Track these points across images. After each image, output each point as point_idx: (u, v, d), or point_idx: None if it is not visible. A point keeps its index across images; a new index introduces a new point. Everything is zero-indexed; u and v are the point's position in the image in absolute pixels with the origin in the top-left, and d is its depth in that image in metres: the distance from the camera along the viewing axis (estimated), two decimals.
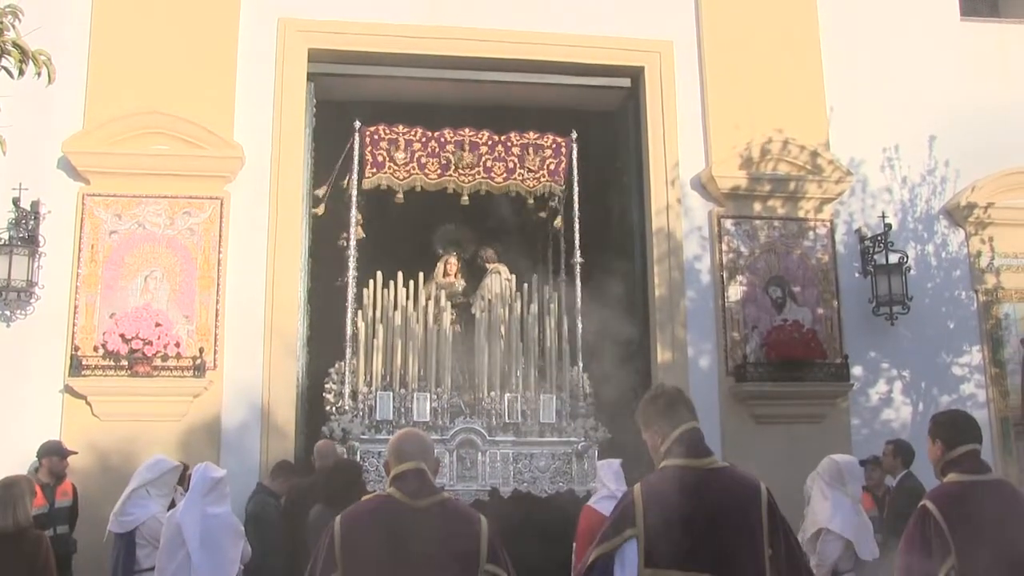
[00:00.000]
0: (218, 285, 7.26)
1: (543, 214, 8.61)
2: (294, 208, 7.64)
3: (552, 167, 8.07)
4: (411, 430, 3.15)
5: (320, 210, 7.87)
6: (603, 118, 8.71)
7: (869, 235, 8.23)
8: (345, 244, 7.79)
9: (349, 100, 8.00)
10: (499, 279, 8.25)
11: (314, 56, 7.91)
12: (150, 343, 6.93)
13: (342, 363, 7.53)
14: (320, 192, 7.97)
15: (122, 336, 6.93)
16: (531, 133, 8.06)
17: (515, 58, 8.09)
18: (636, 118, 8.44)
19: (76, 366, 6.92)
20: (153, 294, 7.18)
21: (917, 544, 3.27)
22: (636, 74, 8.40)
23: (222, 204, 7.40)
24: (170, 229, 7.29)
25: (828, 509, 5.46)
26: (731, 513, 2.81)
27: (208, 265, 7.27)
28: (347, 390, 7.40)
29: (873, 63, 8.57)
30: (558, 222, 8.41)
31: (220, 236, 7.33)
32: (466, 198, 7.93)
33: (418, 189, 7.87)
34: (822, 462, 5.71)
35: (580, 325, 7.84)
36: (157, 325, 6.99)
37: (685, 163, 8.14)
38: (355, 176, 7.74)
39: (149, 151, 7.33)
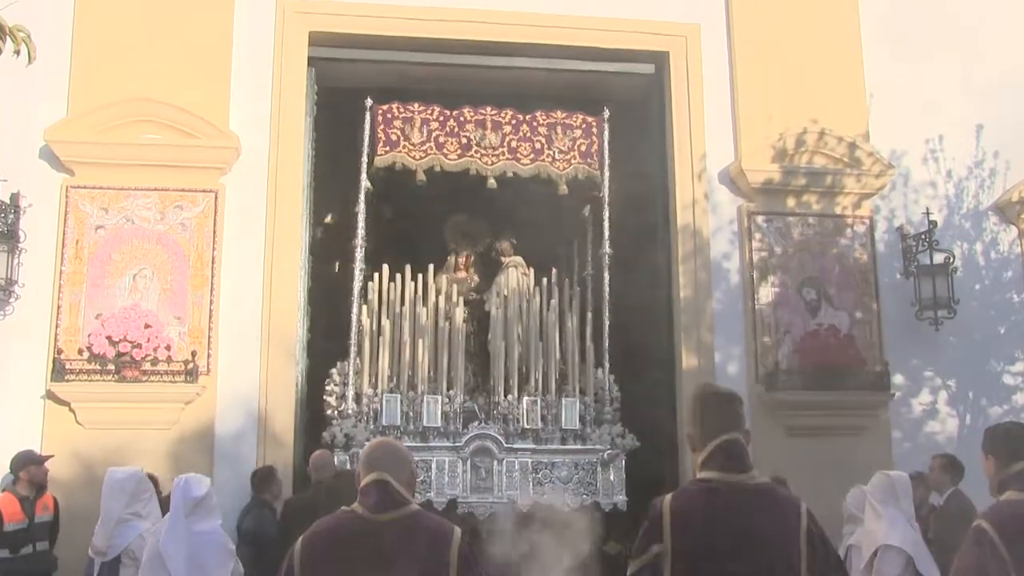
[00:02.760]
0: (212, 284, 7.17)
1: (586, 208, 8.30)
2: (294, 202, 7.52)
3: (584, 148, 7.88)
4: (381, 439, 3.13)
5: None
6: (624, 107, 8.54)
7: (912, 233, 8.05)
8: (357, 233, 7.62)
9: (353, 87, 7.85)
10: (516, 273, 8.13)
11: (315, 40, 7.78)
12: (139, 346, 6.83)
13: (345, 363, 7.39)
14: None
15: (109, 338, 6.83)
16: (559, 112, 7.87)
17: (530, 42, 7.96)
18: (660, 107, 8.30)
19: (59, 370, 6.81)
20: (142, 293, 7.08)
21: (972, 566, 3.18)
22: (660, 60, 8.25)
23: (217, 197, 7.30)
24: (161, 224, 7.20)
25: (884, 526, 5.41)
26: (765, 535, 2.73)
27: (201, 263, 7.18)
28: (350, 392, 7.28)
29: (916, 47, 8.35)
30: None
31: (214, 232, 7.23)
32: (492, 181, 7.70)
33: (437, 170, 7.66)
34: (872, 478, 5.64)
35: (607, 322, 7.66)
36: (146, 327, 6.89)
37: (713, 155, 8.01)
38: (364, 158, 7.57)
39: (138, 140, 7.20)
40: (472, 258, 8.60)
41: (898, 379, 7.86)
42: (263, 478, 6.64)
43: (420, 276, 7.74)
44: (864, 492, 5.72)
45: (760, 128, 7.94)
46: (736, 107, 8.06)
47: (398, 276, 7.71)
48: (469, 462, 7.13)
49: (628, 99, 8.57)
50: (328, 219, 8.14)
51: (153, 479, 5.90)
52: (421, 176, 7.60)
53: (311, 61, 7.82)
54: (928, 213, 8.02)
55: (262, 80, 7.58)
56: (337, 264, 8.16)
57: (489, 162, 7.69)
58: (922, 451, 7.40)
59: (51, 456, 6.30)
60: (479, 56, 8.03)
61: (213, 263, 7.19)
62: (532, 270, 8.09)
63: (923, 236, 7.91)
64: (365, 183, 7.61)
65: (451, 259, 8.56)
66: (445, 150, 7.64)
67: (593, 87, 8.35)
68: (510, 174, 7.76)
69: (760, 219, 7.90)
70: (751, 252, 7.83)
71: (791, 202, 7.95)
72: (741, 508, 2.74)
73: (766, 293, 7.77)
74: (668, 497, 2.83)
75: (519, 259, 8.32)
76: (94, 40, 7.35)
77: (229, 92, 7.47)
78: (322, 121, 8.00)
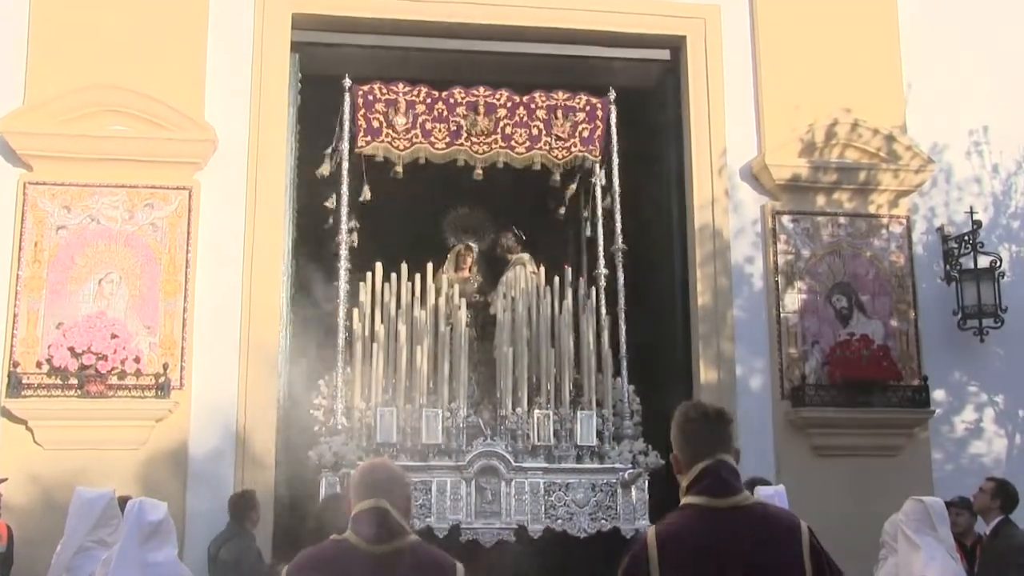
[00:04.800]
0: (186, 290, 7.04)
1: (571, 188, 8.15)
2: (275, 200, 7.37)
3: (586, 134, 7.63)
4: (376, 460, 3.07)
5: (325, 170, 7.53)
6: (637, 97, 8.37)
7: (954, 234, 7.88)
8: (333, 223, 7.44)
9: (340, 74, 7.60)
10: (524, 272, 7.93)
11: (299, 23, 7.64)
12: (104, 358, 6.67)
13: (334, 373, 7.19)
14: (327, 153, 7.60)
15: (71, 350, 6.65)
16: (560, 93, 7.62)
17: (533, 26, 7.81)
18: (676, 97, 8.16)
19: (15, 385, 6.63)
20: (109, 300, 6.94)
21: None
22: (677, 45, 8.12)
23: (191, 195, 7.15)
24: (129, 224, 7.06)
25: (922, 557, 5.13)
26: (766, 557, 2.64)
27: (174, 266, 7.06)
28: (340, 406, 7.06)
29: (958, 30, 8.17)
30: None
31: (188, 233, 7.10)
32: (479, 171, 7.52)
33: (422, 161, 7.48)
34: (904, 505, 5.38)
35: (623, 326, 7.46)
36: (113, 337, 6.73)
37: (734, 149, 7.88)
38: (345, 145, 7.39)
39: (104, 132, 7.03)
40: (476, 256, 8.41)
41: (939, 395, 7.68)
42: (240, 504, 6.40)
43: (418, 276, 7.52)
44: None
45: (786, 119, 7.80)
46: (760, 96, 7.91)
47: (393, 276, 7.49)
48: (474, 483, 6.87)
49: (641, 88, 8.41)
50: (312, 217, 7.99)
51: (126, 500, 5.70)
52: (399, 170, 7.41)
53: (294, 46, 7.66)
54: (972, 212, 7.83)
55: (241, 67, 7.42)
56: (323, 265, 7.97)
57: (480, 151, 7.49)
58: (966, 474, 7.25)
59: (5, 480, 6.10)
60: (477, 41, 7.89)
61: (187, 267, 7.05)
62: (542, 268, 7.87)
63: (966, 237, 7.73)
64: (345, 173, 7.38)
65: (452, 258, 8.37)
66: (432, 138, 7.42)
67: (602, 75, 8.14)
68: (501, 164, 7.56)
69: (786, 219, 7.77)
70: (776, 255, 7.71)
71: (820, 200, 7.80)
72: (737, 532, 2.64)
73: (792, 300, 7.63)
74: (651, 528, 2.74)
75: (527, 256, 8.13)
76: (54, 20, 7.17)
77: (204, 80, 7.32)
78: (306, 112, 7.84)
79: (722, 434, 2.80)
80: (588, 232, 8.15)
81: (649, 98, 8.44)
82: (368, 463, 2.97)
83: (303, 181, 7.78)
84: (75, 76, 7.06)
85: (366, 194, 7.49)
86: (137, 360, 6.74)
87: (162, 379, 6.72)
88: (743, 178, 7.85)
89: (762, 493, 4.99)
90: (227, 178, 7.26)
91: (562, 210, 8.40)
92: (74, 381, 6.63)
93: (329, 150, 7.54)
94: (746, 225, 7.81)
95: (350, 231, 7.44)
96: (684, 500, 2.75)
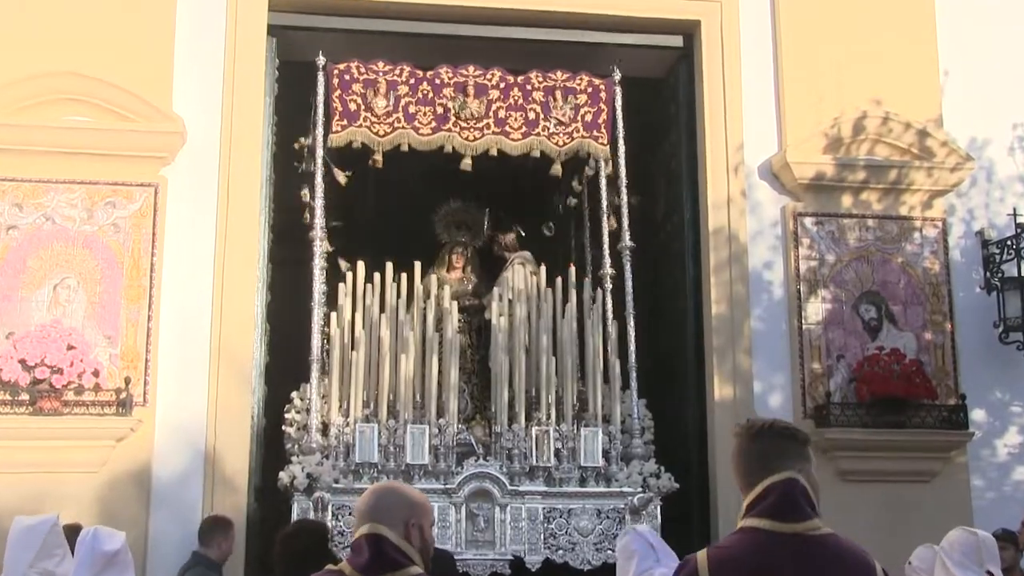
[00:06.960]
0: (150, 297, 6.95)
1: (576, 184, 8.01)
2: (250, 198, 7.26)
3: (589, 118, 7.50)
4: (383, 484, 3.14)
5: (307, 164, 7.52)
6: (646, 87, 8.30)
7: (995, 238, 7.72)
8: (308, 219, 7.32)
9: (321, 61, 7.54)
10: (523, 272, 7.82)
11: (276, 4, 7.51)
12: (60, 371, 6.54)
13: (308, 385, 7.11)
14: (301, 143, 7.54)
15: (23, 362, 6.52)
16: (559, 73, 7.49)
17: (534, 9, 7.69)
18: (689, 87, 8.03)
19: None
20: (65, 308, 6.84)
21: None
22: (690, 30, 7.98)
23: (157, 192, 7.05)
24: (88, 224, 6.96)
25: None
26: None
27: (138, 271, 6.98)
28: (315, 422, 6.96)
29: (1000, 13, 8.03)
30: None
31: (154, 234, 7.01)
32: (468, 161, 7.38)
33: (404, 148, 7.34)
34: (950, 534, 5.19)
35: (632, 332, 7.34)
36: (69, 348, 6.61)
37: (752, 145, 7.75)
38: (320, 129, 7.29)
39: (61, 123, 6.94)
40: (470, 255, 8.35)
41: (978, 415, 7.53)
42: (204, 530, 6.25)
43: (404, 276, 7.42)
44: (936, 552, 5.16)
45: (810, 112, 7.68)
46: (781, 87, 7.79)
47: (376, 276, 7.39)
48: (464, 508, 6.76)
49: (650, 77, 8.31)
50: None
51: (75, 529, 5.48)
52: (378, 158, 7.27)
53: (271, 30, 7.55)
54: (1015, 214, 7.67)
55: (213, 52, 7.34)
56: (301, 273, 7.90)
57: (470, 137, 7.35)
58: (1009, 503, 7.15)
59: None
60: (469, 25, 7.78)
61: (152, 271, 6.98)
62: (543, 267, 7.75)
63: (1009, 242, 7.56)
64: (319, 160, 7.30)
65: (444, 256, 8.29)
66: (416, 122, 7.29)
67: (607, 63, 7.96)
68: (495, 152, 7.41)
69: (809, 221, 7.66)
70: (798, 261, 7.59)
71: (847, 201, 7.68)
72: (802, 563, 2.48)
73: (816, 310, 7.53)
74: (702, 551, 2.59)
75: (527, 254, 8.02)
76: (6, 2, 7.06)
77: (172, 66, 7.22)
78: (284, 102, 7.73)
79: (797, 451, 2.62)
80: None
81: (659, 88, 8.34)
82: (373, 486, 2.95)
83: (280, 177, 7.67)
84: (29, 61, 6.96)
85: (340, 177, 7.34)
86: (96, 374, 6.64)
87: (124, 395, 6.61)
88: (762, 176, 7.76)
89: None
90: (197, 174, 7.17)
91: (573, 201, 8.30)
92: (25, 397, 6.52)
93: (308, 140, 7.44)
94: (765, 228, 7.70)
95: (329, 228, 7.34)
96: (741, 523, 2.59)
